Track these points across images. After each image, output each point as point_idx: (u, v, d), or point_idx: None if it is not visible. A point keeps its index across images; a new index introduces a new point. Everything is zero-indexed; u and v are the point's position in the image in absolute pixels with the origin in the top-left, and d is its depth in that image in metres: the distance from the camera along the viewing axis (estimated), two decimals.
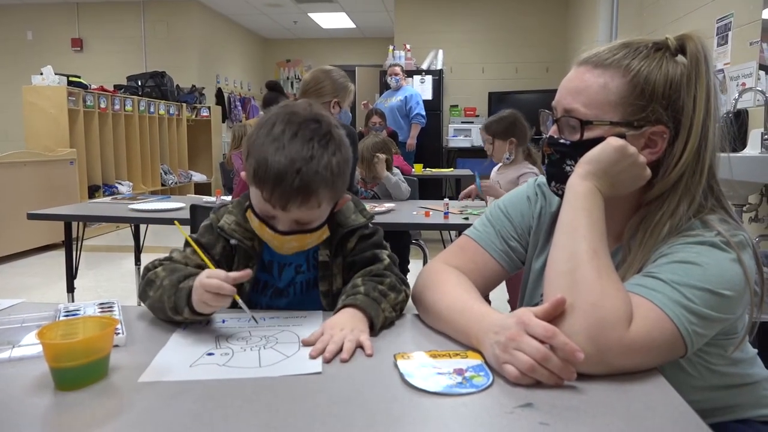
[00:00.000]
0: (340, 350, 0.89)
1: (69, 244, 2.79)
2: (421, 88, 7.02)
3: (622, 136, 0.92)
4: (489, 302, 3.06)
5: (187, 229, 1.26)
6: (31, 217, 2.64)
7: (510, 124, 2.92)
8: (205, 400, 0.76)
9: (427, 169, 5.58)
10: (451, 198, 3.00)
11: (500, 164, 3.06)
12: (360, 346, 0.91)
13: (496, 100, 7.55)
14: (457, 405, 0.73)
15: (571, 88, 0.96)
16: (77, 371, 0.77)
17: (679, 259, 0.85)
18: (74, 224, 3.07)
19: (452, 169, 6.43)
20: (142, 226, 3.71)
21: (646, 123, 0.92)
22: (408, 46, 7.44)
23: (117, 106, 6.49)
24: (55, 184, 5.19)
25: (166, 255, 1.11)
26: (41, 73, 5.63)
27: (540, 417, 0.69)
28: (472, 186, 3.06)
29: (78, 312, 1.08)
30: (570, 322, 0.80)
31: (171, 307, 0.98)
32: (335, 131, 1.04)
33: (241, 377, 0.82)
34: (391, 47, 7.50)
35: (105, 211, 2.85)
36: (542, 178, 1.13)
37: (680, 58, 0.93)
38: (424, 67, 7.43)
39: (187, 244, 1.10)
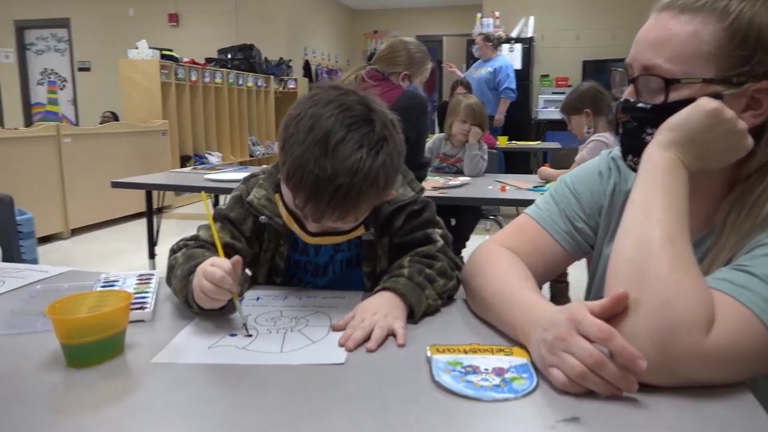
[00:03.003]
0: (369, 338, 0.80)
1: (150, 212, 2.88)
2: (510, 57, 6.68)
3: (717, 96, 0.75)
4: (567, 282, 2.83)
5: None
6: (115, 185, 2.74)
7: (582, 95, 2.69)
8: (213, 386, 0.70)
9: (513, 141, 5.34)
10: None
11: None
12: (392, 334, 0.82)
13: (592, 69, 7.11)
14: (489, 412, 0.63)
15: (652, 40, 0.80)
16: (88, 348, 0.74)
17: None
18: (162, 193, 3.19)
19: (539, 141, 6.12)
20: (222, 196, 3.80)
21: (749, 78, 0.75)
22: (497, 14, 7.12)
23: (207, 79, 6.67)
24: (148, 154, 5.42)
25: (194, 233, 1.04)
26: (136, 48, 5.87)
27: None
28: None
29: (117, 282, 1.06)
30: (633, 322, 0.66)
31: (183, 302, 0.91)
32: (389, 131, 0.87)
33: (258, 363, 0.75)
34: (479, 15, 7.21)
35: (182, 180, 2.92)
36: (617, 151, 0.98)
37: None
38: (514, 35, 7.09)
39: (216, 218, 1.03)
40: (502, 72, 5.82)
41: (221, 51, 7.70)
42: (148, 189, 2.84)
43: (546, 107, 7.15)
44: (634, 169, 0.84)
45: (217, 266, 0.84)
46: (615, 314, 0.68)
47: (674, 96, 0.78)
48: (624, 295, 0.67)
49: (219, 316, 0.90)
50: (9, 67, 9.50)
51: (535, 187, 2.53)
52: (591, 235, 0.98)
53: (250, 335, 0.84)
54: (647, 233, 0.71)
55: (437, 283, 0.95)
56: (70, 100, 9.46)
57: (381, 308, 0.86)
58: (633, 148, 0.85)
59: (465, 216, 3.10)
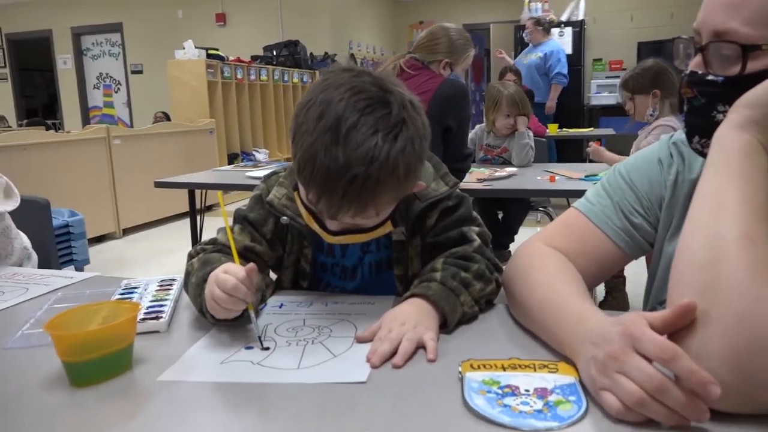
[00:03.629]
0: (396, 352, 0.72)
1: (192, 211, 2.88)
2: (561, 42, 6.42)
3: None
4: (624, 277, 2.62)
5: None
6: (158, 185, 2.75)
7: (650, 73, 2.46)
8: (220, 408, 0.64)
9: (563, 129, 5.13)
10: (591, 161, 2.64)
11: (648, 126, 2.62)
12: (422, 346, 0.74)
13: (648, 51, 6.75)
14: None
15: (726, 0, 0.68)
16: (90, 366, 0.68)
17: None
18: (205, 191, 3.19)
19: (592, 128, 5.87)
20: None
21: None
22: None
23: (253, 77, 6.71)
24: (196, 153, 5.48)
25: (213, 236, 0.98)
26: (183, 48, 5.95)
27: None
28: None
29: (137, 289, 1.02)
30: (702, 339, 0.55)
31: (198, 310, 0.85)
32: (408, 113, 0.78)
33: (271, 381, 0.68)
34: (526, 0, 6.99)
35: (223, 178, 2.91)
36: (679, 135, 0.86)
37: None
38: (564, 18, 6.83)
39: (236, 219, 0.97)
40: (553, 57, 5.61)
41: (266, 48, 7.74)
42: (190, 188, 2.83)
43: (599, 92, 6.86)
44: (702, 154, 0.73)
45: (230, 273, 0.77)
46: (680, 329, 0.57)
47: (753, 66, 0.66)
48: (691, 306, 0.56)
49: (236, 327, 0.83)
50: (68, 73, 9.87)
51: (586, 176, 2.38)
52: (650, 231, 0.87)
53: (267, 348, 0.77)
54: (720, 232, 0.60)
55: (473, 288, 0.86)
56: (125, 103, 9.73)
57: (410, 318, 0.78)
58: (700, 129, 0.73)
59: (513, 208, 2.97)
